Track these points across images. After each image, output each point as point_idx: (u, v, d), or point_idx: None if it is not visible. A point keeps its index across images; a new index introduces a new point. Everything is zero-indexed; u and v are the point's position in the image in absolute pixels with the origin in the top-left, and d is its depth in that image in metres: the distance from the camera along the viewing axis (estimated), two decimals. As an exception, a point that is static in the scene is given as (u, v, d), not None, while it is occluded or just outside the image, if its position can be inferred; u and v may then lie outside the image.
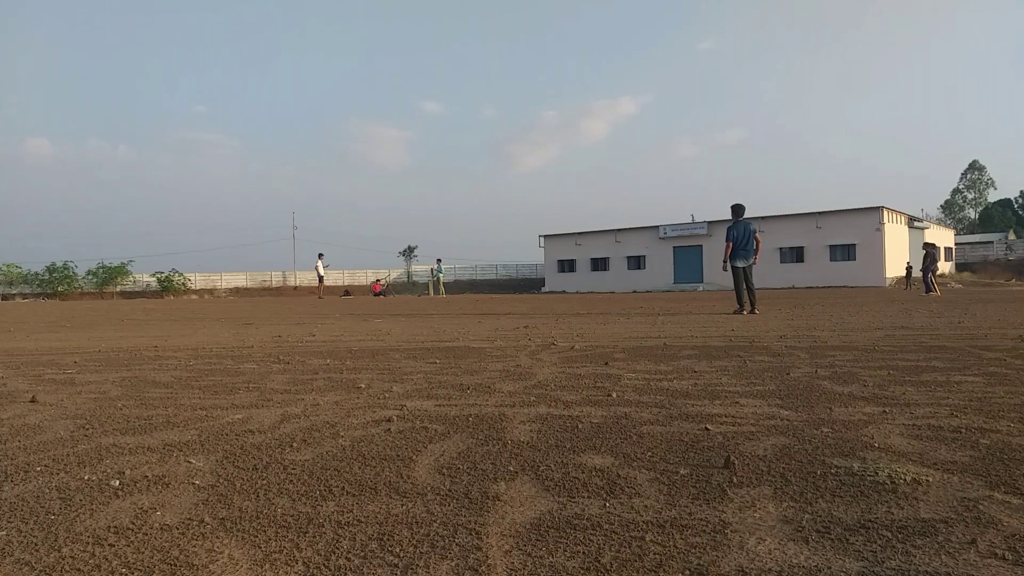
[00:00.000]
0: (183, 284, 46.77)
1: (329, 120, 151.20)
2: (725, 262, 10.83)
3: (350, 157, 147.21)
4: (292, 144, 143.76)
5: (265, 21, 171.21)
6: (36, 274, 43.65)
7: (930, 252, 20.24)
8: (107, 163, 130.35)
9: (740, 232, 10.72)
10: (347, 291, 43.20)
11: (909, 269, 30.74)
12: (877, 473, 1.91)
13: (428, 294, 36.88)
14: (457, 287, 48.14)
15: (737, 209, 10.82)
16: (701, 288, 37.28)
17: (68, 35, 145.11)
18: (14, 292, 42.52)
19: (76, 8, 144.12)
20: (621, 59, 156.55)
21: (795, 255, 38.63)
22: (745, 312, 10.27)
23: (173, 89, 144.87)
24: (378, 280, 43.73)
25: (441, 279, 34.31)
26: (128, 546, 1.50)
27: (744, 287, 10.55)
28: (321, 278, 29.86)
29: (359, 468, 2.08)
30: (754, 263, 10.71)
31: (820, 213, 37.98)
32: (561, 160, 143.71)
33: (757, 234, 10.74)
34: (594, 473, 1.99)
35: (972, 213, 79.44)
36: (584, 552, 1.43)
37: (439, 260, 34.76)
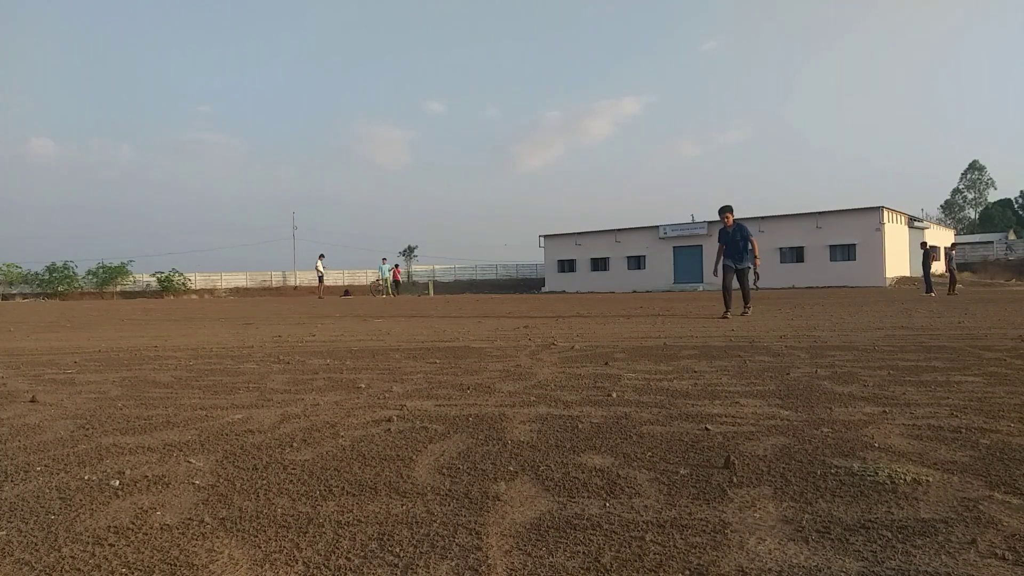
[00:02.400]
0: (183, 284, 46.75)
1: (333, 121, 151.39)
2: (716, 266, 10.16)
3: (353, 157, 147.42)
4: (295, 145, 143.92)
5: (269, 22, 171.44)
6: (36, 274, 43.63)
7: (929, 251, 20.18)
8: (110, 163, 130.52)
9: (733, 234, 9.99)
10: (347, 291, 43.21)
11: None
12: (877, 473, 1.91)
13: (428, 294, 36.83)
14: (457, 287, 48.15)
15: (722, 211, 10.09)
16: (701, 288, 37.28)
17: (72, 35, 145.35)
18: (14, 292, 42.51)
19: (80, 8, 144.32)
20: (625, 59, 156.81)
21: (795, 255, 38.62)
22: (730, 316, 9.43)
23: (177, 89, 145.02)
24: (396, 265, 42.85)
25: (389, 280, 33.50)
26: (128, 546, 1.50)
27: (731, 288, 9.91)
28: (321, 278, 29.85)
29: (359, 468, 2.08)
30: (752, 267, 10.02)
31: (820, 213, 37.98)
32: (563, 160, 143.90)
33: (753, 238, 9.96)
34: (594, 473, 1.99)
35: (972, 213, 79.48)
36: (584, 552, 1.43)
37: (384, 260, 33.77)
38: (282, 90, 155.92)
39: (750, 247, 9.91)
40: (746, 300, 10.05)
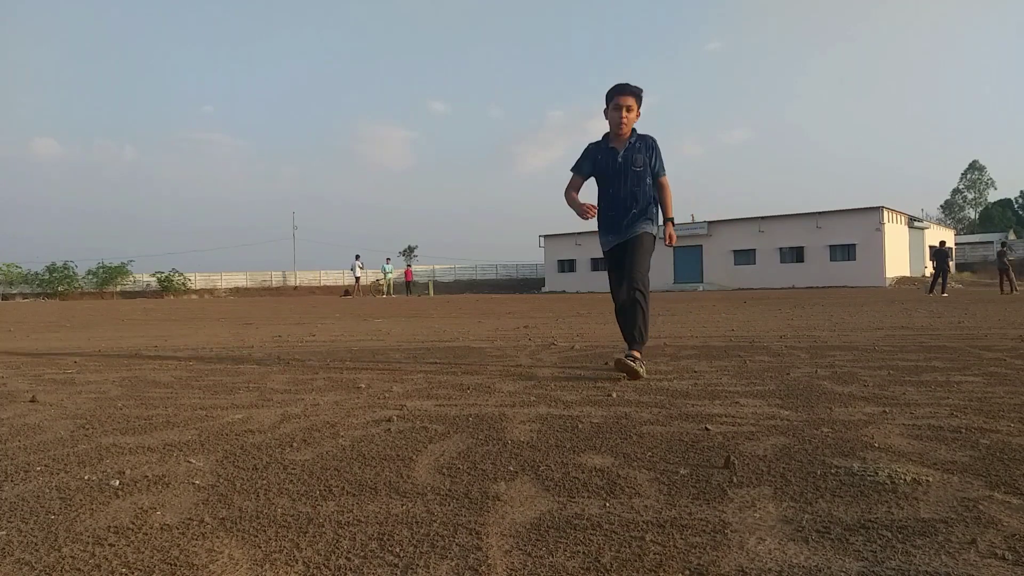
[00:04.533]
0: (183, 284, 46.74)
1: (335, 121, 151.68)
2: (581, 210, 4.13)
3: (355, 157, 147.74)
4: (297, 144, 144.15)
5: (273, 22, 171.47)
6: (36, 274, 43.59)
7: (947, 252, 20.05)
8: (113, 163, 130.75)
9: (627, 155, 4.02)
10: (347, 291, 43.22)
11: None
12: (877, 473, 1.91)
13: (428, 294, 36.80)
14: (457, 287, 48.15)
15: (615, 94, 3.95)
16: (701, 288, 37.28)
17: (76, 35, 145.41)
18: (14, 292, 42.49)
19: (84, 9, 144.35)
20: (629, 59, 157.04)
21: (795, 255, 38.63)
22: (625, 358, 3.75)
23: (181, 89, 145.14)
24: (408, 266, 43.70)
25: (391, 279, 34.34)
26: (128, 546, 1.50)
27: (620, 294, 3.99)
28: (358, 279, 30.64)
29: (359, 468, 2.08)
30: (664, 238, 4.16)
31: (820, 213, 37.98)
32: (566, 160, 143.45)
33: (664, 177, 4.07)
34: (594, 473, 1.99)
35: (972, 213, 79.47)
36: (584, 552, 1.43)
37: (388, 260, 34.75)
38: (284, 90, 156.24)
39: (651, 194, 4.06)
40: (636, 331, 3.88)
